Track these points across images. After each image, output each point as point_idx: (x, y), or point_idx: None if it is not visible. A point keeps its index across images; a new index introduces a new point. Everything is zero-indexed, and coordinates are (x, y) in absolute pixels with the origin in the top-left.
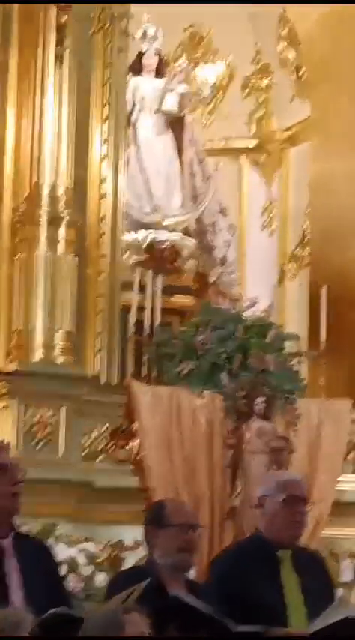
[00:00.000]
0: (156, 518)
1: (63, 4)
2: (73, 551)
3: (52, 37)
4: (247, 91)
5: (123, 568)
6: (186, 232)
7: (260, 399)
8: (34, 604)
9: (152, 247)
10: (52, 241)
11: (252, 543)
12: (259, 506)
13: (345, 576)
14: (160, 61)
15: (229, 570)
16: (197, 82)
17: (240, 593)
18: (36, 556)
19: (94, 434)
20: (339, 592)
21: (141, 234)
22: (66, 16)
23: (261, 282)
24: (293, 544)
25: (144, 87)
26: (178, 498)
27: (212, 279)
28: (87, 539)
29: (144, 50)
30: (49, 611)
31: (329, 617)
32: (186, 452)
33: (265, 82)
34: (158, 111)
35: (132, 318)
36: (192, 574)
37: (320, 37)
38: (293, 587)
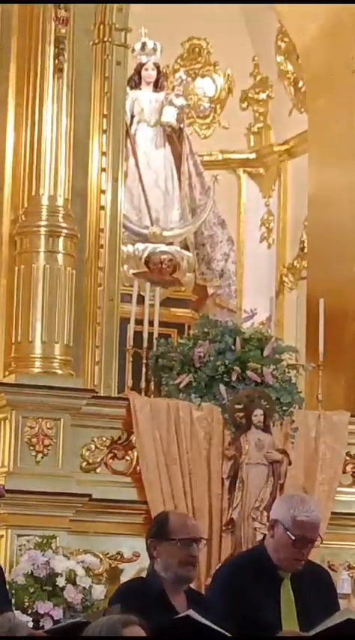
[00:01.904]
0: (159, 531)
1: (62, 17)
2: (72, 563)
3: (51, 50)
4: (245, 103)
5: (121, 579)
6: (185, 245)
7: (258, 411)
8: None
9: (151, 260)
10: (51, 253)
11: (254, 557)
12: (270, 527)
13: (343, 588)
14: (159, 73)
15: (232, 586)
16: (195, 94)
17: (242, 609)
18: None
19: (93, 446)
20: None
21: (139, 246)
22: (65, 29)
23: (260, 295)
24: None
25: (142, 99)
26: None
27: (210, 291)
28: (85, 551)
29: (143, 62)
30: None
31: (332, 620)
32: (185, 464)
33: (263, 95)
34: (157, 123)
35: (130, 330)
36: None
37: (318, 50)
38: (289, 608)
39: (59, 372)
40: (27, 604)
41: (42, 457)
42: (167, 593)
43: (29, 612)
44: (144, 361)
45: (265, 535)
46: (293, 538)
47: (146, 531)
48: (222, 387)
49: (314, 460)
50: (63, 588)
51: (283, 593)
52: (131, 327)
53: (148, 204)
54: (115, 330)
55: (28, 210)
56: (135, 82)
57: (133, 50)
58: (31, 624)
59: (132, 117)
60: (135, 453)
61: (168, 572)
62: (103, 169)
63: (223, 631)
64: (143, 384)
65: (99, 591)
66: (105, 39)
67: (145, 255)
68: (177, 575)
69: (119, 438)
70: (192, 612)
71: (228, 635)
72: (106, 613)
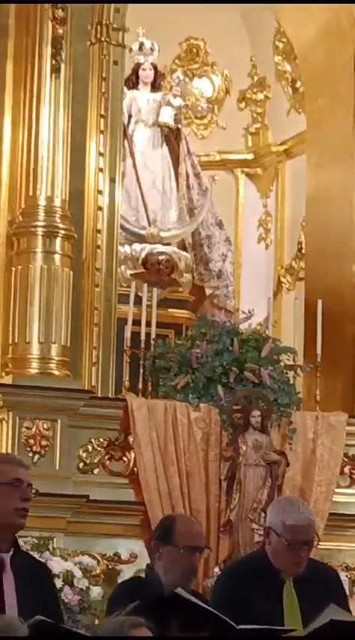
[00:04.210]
0: (164, 534)
1: (59, 17)
2: (69, 564)
3: (48, 50)
4: (243, 104)
5: (119, 581)
6: (183, 245)
7: (256, 412)
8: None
9: (148, 260)
10: (48, 254)
11: (255, 562)
12: (265, 535)
13: None
14: (156, 73)
15: (234, 594)
16: (193, 95)
17: (245, 616)
18: (33, 574)
19: (90, 447)
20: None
21: (137, 247)
22: (62, 29)
23: (257, 295)
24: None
25: (140, 100)
26: (181, 513)
27: (208, 292)
28: (82, 553)
29: (141, 62)
30: (34, 617)
31: (318, 621)
32: (182, 465)
33: (261, 95)
34: (154, 124)
35: (128, 331)
36: None
37: (316, 50)
38: (293, 611)
39: (56, 372)
40: None
41: (39, 458)
42: (164, 593)
43: None
44: (142, 362)
45: (264, 542)
46: (287, 542)
47: (148, 532)
48: (219, 388)
49: (311, 461)
50: (60, 590)
51: (286, 596)
52: (128, 328)
53: (146, 204)
54: (113, 331)
55: (25, 210)
56: (133, 82)
57: (131, 50)
58: None
59: (130, 117)
60: (133, 454)
61: (168, 576)
62: (101, 170)
63: (211, 609)
64: (140, 385)
65: (97, 593)
66: (103, 39)
67: (143, 255)
68: (177, 582)
69: (116, 439)
70: (180, 590)
71: (216, 612)
72: (111, 615)
